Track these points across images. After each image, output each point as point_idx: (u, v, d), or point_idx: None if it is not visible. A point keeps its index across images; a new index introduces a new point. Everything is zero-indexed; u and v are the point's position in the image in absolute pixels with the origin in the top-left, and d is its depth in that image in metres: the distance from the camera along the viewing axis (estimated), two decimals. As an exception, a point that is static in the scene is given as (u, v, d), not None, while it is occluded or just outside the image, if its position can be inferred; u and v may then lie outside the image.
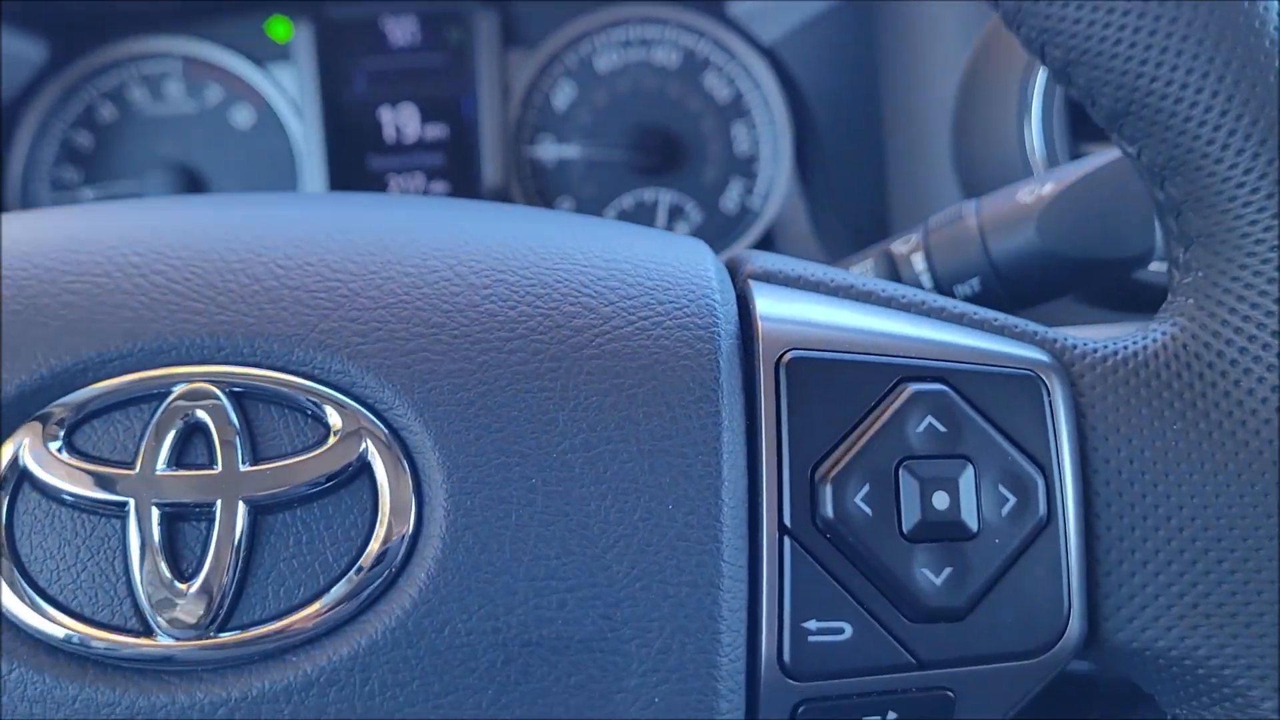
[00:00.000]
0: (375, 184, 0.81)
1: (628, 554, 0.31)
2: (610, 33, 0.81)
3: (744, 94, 0.81)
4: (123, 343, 0.31)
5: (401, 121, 0.80)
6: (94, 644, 0.30)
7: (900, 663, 0.33)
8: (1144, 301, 0.59)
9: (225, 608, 0.30)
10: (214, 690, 0.30)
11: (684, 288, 0.34)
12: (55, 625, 0.30)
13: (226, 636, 0.30)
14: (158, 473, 0.31)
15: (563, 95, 0.81)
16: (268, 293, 0.32)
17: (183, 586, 0.30)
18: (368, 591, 0.31)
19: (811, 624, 0.33)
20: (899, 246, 0.50)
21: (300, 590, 0.31)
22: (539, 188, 0.81)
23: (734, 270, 0.37)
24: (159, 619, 0.30)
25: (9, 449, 0.31)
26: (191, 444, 0.31)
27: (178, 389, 0.31)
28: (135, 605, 0.30)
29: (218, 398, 0.31)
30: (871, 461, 0.33)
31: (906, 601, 0.33)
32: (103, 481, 0.30)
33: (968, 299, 0.48)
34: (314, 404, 0.31)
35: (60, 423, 0.31)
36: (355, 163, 0.80)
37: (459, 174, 0.81)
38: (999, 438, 0.34)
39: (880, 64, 0.74)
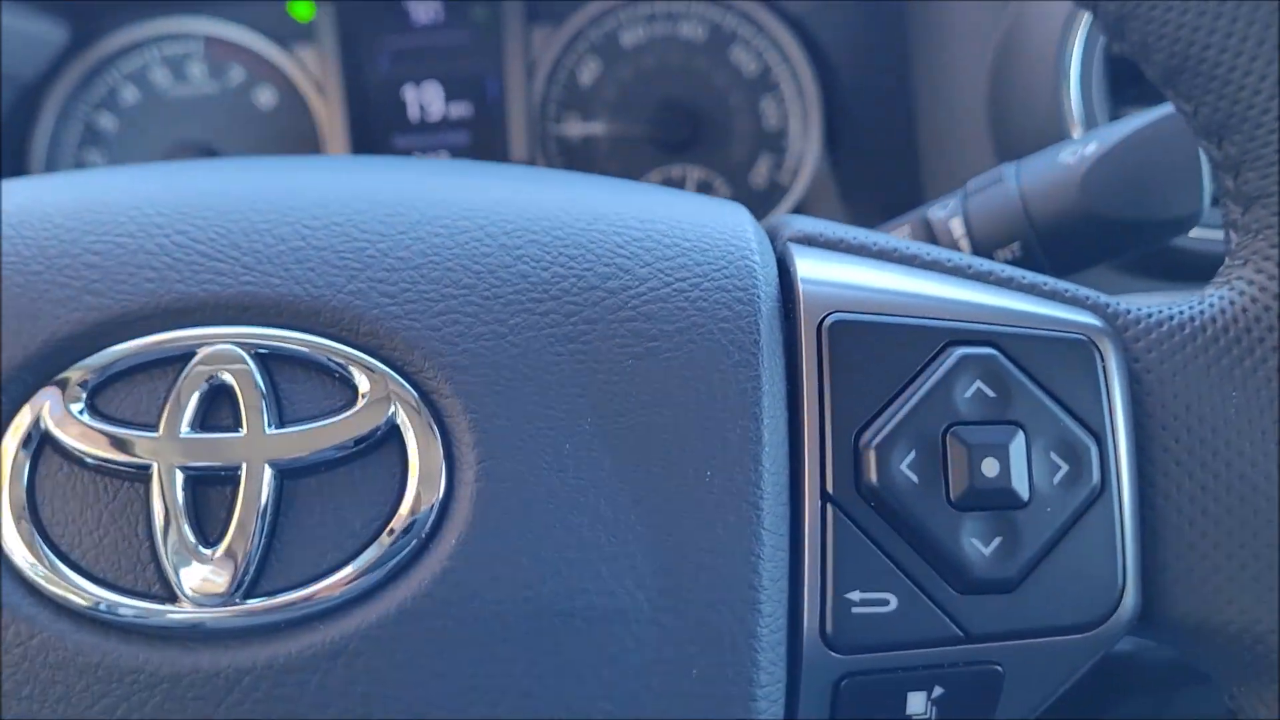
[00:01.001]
0: (399, 164, 0.80)
1: (664, 522, 0.30)
2: (636, 7, 0.80)
3: (772, 67, 0.80)
4: (146, 302, 0.31)
5: (426, 100, 0.80)
6: (120, 610, 0.29)
7: (947, 635, 0.32)
8: (1188, 270, 0.58)
9: (251, 574, 0.30)
10: (240, 657, 0.29)
11: (722, 249, 0.33)
12: (79, 593, 0.30)
13: (253, 604, 0.30)
14: (182, 436, 0.30)
15: (588, 71, 0.80)
16: (294, 253, 0.31)
17: (208, 552, 0.30)
18: (396, 559, 0.30)
19: (855, 595, 0.32)
20: (937, 211, 0.48)
21: (327, 557, 0.30)
22: (565, 165, 0.81)
23: (773, 234, 0.37)
24: (184, 585, 0.30)
25: (30, 411, 0.30)
26: (216, 406, 0.31)
27: (202, 351, 0.31)
28: (160, 571, 0.30)
29: (243, 360, 0.30)
30: (918, 427, 0.32)
31: (954, 572, 0.32)
32: (125, 445, 0.30)
33: (1009, 264, 0.46)
34: (341, 367, 0.31)
35: (82, 384, 0.30)
36: (380, 142, 0.80)
37: (484, 152, 0.80)
38: (1051, 403, 0.33)
39: (911, 31, 0.73)
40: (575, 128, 0.80)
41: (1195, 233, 0.50)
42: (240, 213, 0.32)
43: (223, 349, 0.31)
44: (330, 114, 0.78)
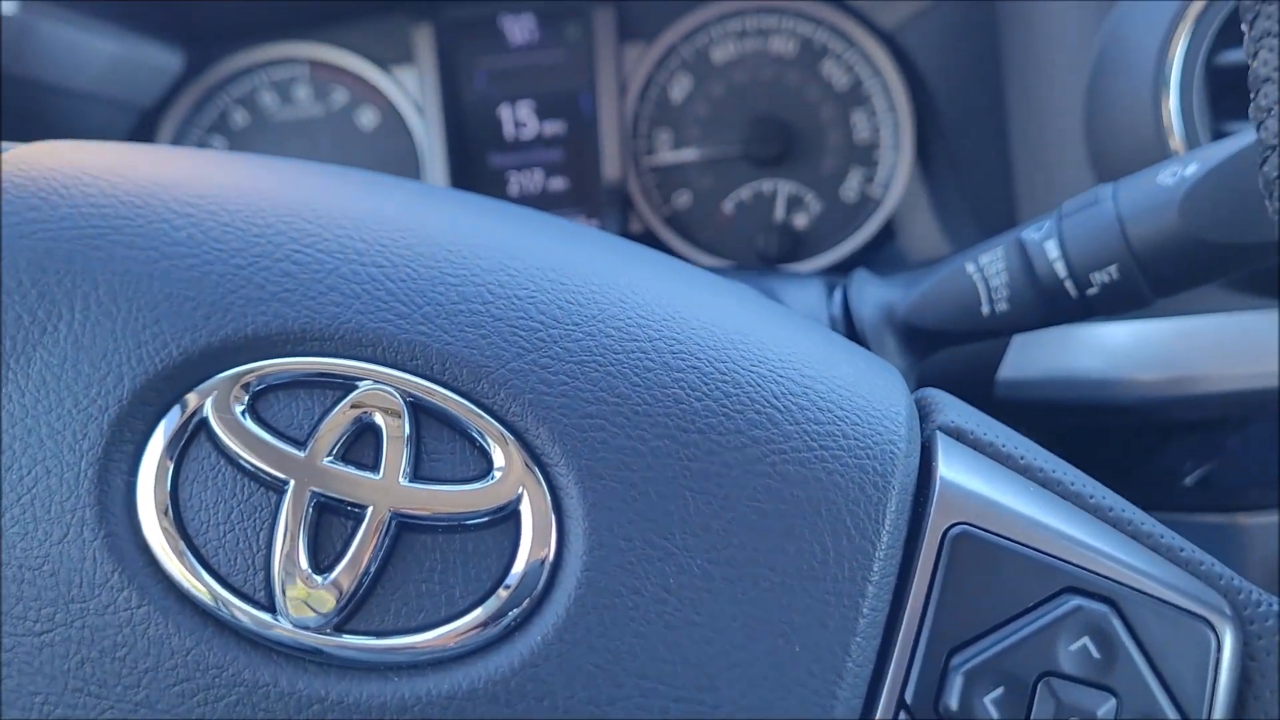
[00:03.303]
0: (496, 181, 0.82)
1: (741, 682, 0.31)
2: (727, 24, 0.80)
3: (863, 81, 0.80)
4: (326, 325, 0.32)
5: (520, 118, 0.81)
6: (221, 603, 0.31)
7: None
8: (1293, 286, 0.56)
9: (348, 610, 0.31)
10: (314, 684, 0.30)
11: (871, 426, 0.33)
12: (192, 576, 0.31)
13: (343, 639, 0.31)
14: (323, 463, 0.31)
15: (680, 88, 0.81)
16: (472, 316, 0.32)
17: (316, 578, 0.31)
18: (478, 635, 0.31)
19: None
20: (1031, 233, 0.48)
21: (419, 615, 0.31)
22: (657, 182, 0.81)
23: (924, 411, 0.36)
24: (285, 601, 0.31)
25: (197, 398, 0.31)
26: (361, 440, 0.32)
27: (364, 386, 0.32)
28: (267, 581, 0.31)
29: (398, 407, 0.31)
30: (1012, 665, 0.31)
31: None
32: (272, 456, 0.31)
33: (1105, 286, 0.46)
34: (482, 437, 0.32)
35: (246, 386, 0.32)
36: (476, 160, 0.81)
37: (577, 169, 0.82)
38: (1153, 681, 0.32)
39: (1005, 44, 0.72)
40: (668, 155, 0.81)
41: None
42: (434, 259, 0.33)
43: (381, 390, 0.31)
44: (429, 133, 0.80)
